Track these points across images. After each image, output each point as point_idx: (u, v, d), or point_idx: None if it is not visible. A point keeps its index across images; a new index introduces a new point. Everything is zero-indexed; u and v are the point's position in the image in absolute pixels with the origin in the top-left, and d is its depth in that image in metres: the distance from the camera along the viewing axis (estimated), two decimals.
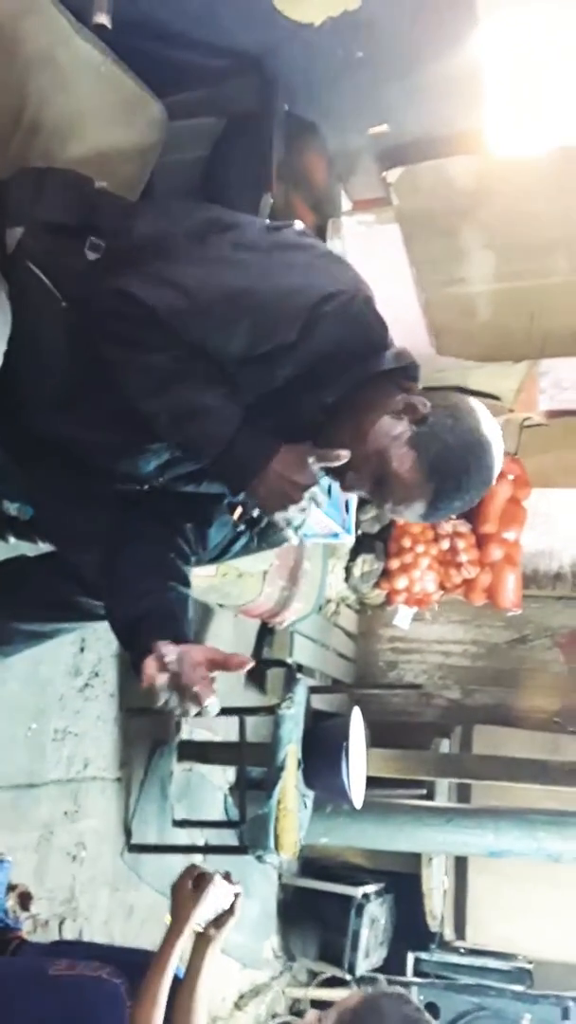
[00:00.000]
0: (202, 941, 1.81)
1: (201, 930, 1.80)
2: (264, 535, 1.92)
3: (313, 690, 3.60)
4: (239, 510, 1.81)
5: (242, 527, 1.85)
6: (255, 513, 1.83)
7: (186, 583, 1.64)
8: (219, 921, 1.82)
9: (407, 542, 4.88)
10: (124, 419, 1.47)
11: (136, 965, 1.76)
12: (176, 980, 1.75)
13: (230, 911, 1.83)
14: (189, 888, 1.78)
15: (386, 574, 4.97)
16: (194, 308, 1.37)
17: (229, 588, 3.41)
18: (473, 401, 1.52)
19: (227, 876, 1.83)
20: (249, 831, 3.14)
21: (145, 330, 1.37)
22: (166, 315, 1.36)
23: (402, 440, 1.45)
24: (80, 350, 1.44)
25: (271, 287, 1.41)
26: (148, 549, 1.64)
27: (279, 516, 1.48)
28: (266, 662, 4.12)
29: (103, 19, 1.66)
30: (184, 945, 1.76)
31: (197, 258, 1.43)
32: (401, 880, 4.87)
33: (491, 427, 1.49)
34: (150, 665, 1.42)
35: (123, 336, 1.40)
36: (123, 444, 1.53)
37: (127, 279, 1.37)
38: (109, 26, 1.66)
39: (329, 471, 1.56)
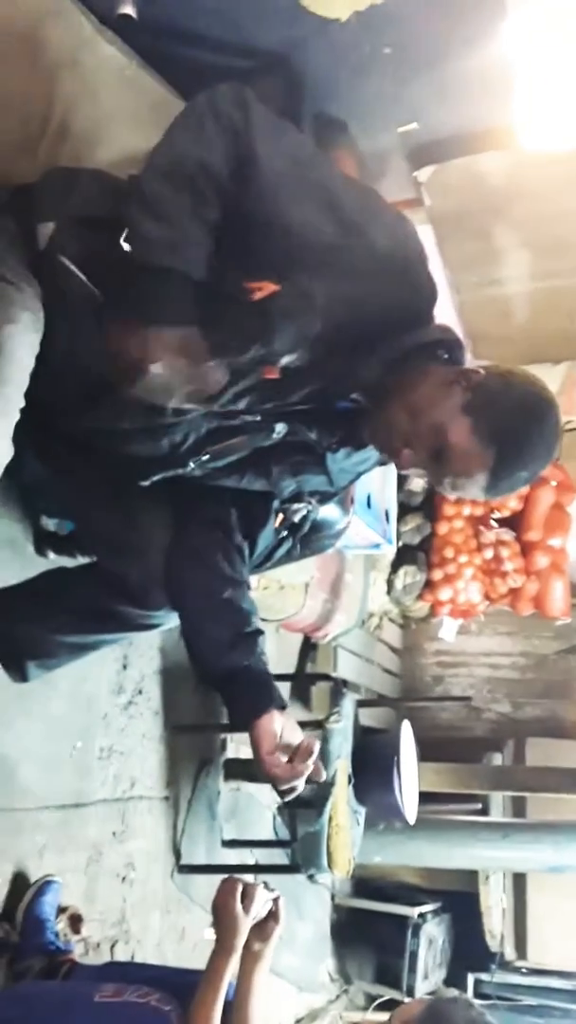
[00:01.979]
0: (250, 958, 1.73)
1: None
2: (306, 541, 1.89)
3: (360, 704, 3.54)
4: (281, 516, 1.78)
5: (284, 533, 1.82)
6: (297, 518, 1.81)
7: (252, 605, 1.66)
8: (264, 933, 1.74)
9: (450, 552, 4.80)
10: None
11: (189, 987, 1.70)
12: (227, 1002, 1.69)
13: (275, 919, 1.75)
14: (237, 906, 1.69)
15: (429, 585, 4.89)
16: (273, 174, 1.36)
17: (271, 601, 3.37)
18: (525, 369, 1.48)
19: (264, 884, 1.75)
20: (301, 849, 3.08)
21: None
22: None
23: (457, 409, 1.40)
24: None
25: (347, 202, 1.40)
26: (212, 563, 1.63)
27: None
28: (311, 677, 4.07)
29: (128, 9, 1.64)
30: (234, 965, 1.70)
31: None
32: (458, 899, 4.76)
33: (548, 393, 1.44)
34: (278, 767, 1.47)
35: None
36: (158, 424, 1.50)
37: None
38: (135, 16, 1.64)
39: (382, 450, 1.52)
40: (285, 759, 1.47)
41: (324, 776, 1.52)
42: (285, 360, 1.37)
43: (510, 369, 1.46)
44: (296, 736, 1.51)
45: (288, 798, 1.51)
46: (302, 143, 1.44)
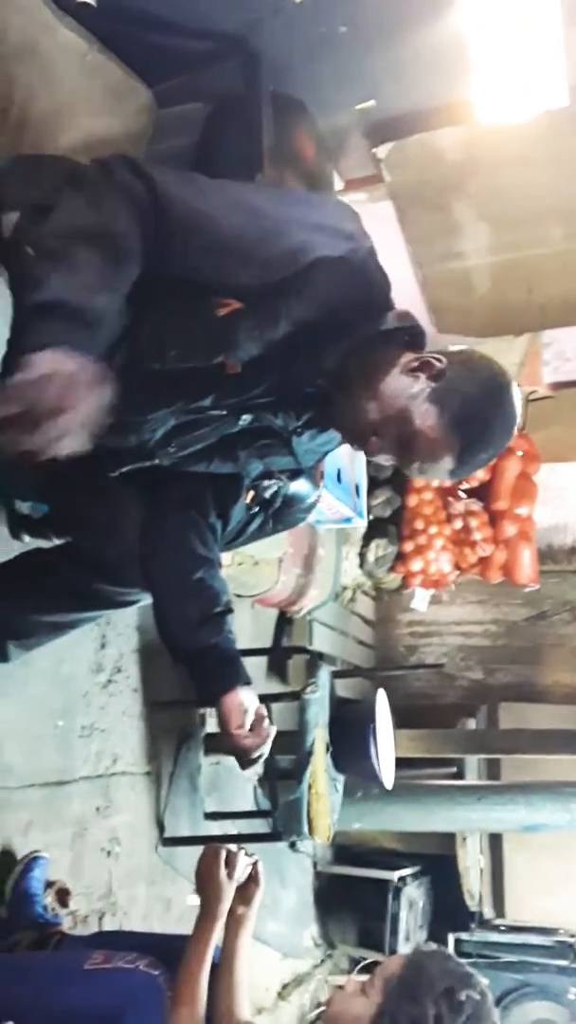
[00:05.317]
0: (234, 922, 1.78)
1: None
2: (279, 515, 1.92)
3: (335, 675, 3.59)
4: (252, 492, 1.82)
5: (255, 509, 1.86)
6: (268, 494, 1.84)
7: (223, 584, 1.71)
8: (246, 897, 1.79)
9: (420, 524, 4.87)
10: (123, 398, 1.47)
11: (176, 952, 1.74)
12: (213, 965, 1.72)
13: (256, 883, 1.80)
14: (222, 872, 1.73)
15: (401, 557, 4.96)
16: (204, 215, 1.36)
17: (245, 577, 3.41)
18: (482, 352, 1.52)
19: (244, 850, 1.80)
20: (282, 817, 3.14)
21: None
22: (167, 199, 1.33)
23: (422, 397, 1.44)
24: None
25: (282, 216, 1.41)
26: (185, 543, 1.67)
27: None
28: (287, 650, 4.12)
29: None
30: (219, 929, 1.74)
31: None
32: (437, 862, 4.85)
33: (506, 376, 1.49)
34: (247, 738, 1.58)
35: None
36: (126, 422, 1.54)
37: None
38: (93, 3, 1.66)
39: (350, 438, 1.57)
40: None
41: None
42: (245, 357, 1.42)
43: (469, 355, 1.51)
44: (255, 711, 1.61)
45: (252, 767, 1.58)
46: (219, 182, 1.47)
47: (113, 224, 1.29)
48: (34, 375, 1.17)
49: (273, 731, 1.59)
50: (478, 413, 1.45)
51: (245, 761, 1.60)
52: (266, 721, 1.59)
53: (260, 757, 1.59)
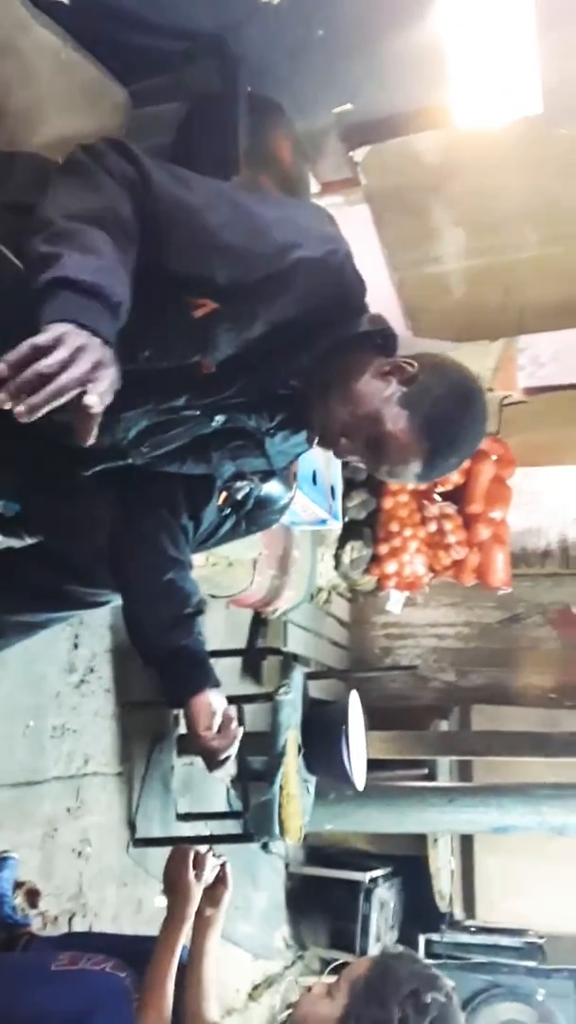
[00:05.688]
0: (202, 924, 1.77)
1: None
2: (252, 517, 1.92)
3: (309, 676, 3.60)
4: (224, 493, 1.82)
5: (228, 510, 1.85)
6: (240, 496, 1.84)
7: (193, 586, 1.70)
8: (215, 898, 1.78)
9: (395, 526, 4.89)
10: None
11: (144, 953, 1.73)
12: (181, 966, 1.72)
13: (224, 884, 1.79)
14: (190, 874, 1.73)
15: (376, 559, 4.98)
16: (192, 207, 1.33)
17: (220, 578, 3.41)
18: (452, 357, 1.53)
19: (212, 851, 1.80)
20: (253, 818, 3.14)
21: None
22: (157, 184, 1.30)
23: (393, 400, 1.45)
24: None
25: (265, 215, 1.40)
26: (156, 544, 1.66)
27: None
28: (261, 651, 4.12)
29: None
30: (187, 931, 1.73)
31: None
32: (408, 863, 4.88)
33: (476, 382, 1.50)
34: (214, 739, 1.56)
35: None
36: (99, 422, 1.53)
37: None
38: (66, 1, 1.65)
39: (320, 440, 1.57)
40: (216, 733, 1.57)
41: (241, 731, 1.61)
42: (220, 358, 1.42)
43: (441, 360, 1.52)
44: (222, 712, 1.60)
45: (220, 769, 1.58)
46: (205, 178, 1.45)
47: (119, 207, 1.27)
48: (47, 340, 1.11)
49: (240, 733, 1.59)
50: (447, 418, 1.46)
51: (212, 763, 1.59)
52: (234, 723, 1.58)
53: (227, 759, 1.58)
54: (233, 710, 1.61)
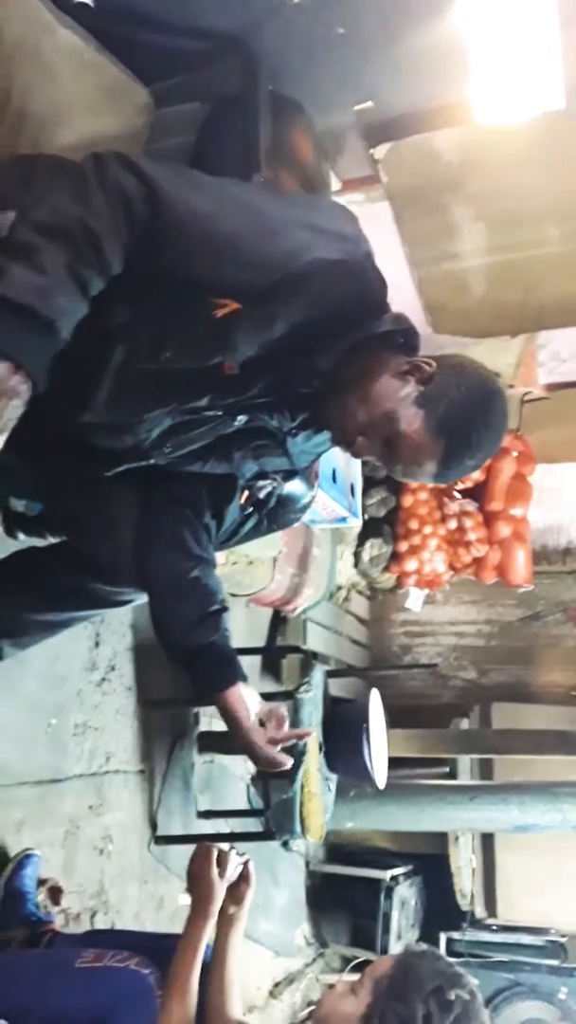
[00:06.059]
0: (225, 922, 1.77)
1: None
2: (273, 515, 1.92)
3: (329, 674, 3.60)
4: (246, 492, 1.82)
5: (250, 509, 1.86)
6: (262, 494, 1.85)
7: (217, 583, 1.70)
8: (238, 896, 1.78)
9: (415, 524, 4.88)
10: (119, 397, 1.48)
11: (168, 951, 1.74)
12: (204, 964, 1.72)
13: (247, 882, 1.79)
14: (214, 872, 1.73)
15: (395, 557, 4.97)
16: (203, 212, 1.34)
17: (240, 577, 3.42)
18: (475, 360, 1.53)
19: (234, 849, 1.80)
20: (274, 816, 3.15)
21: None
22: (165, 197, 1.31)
23: (409, 400, 1.45)
24: (78, 330, 1.44)
25: (281, 217, 1.40)
26: (180, 543, 1.67)
27: None
28: (281, 649, 4.13)
29: None
30: (210, 929, 1.73)
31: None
32: (429, 861, 4.88)
33: (496, 384, 1.49)
34: (274, 752, 1.56)
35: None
36: (121, 422, 1.54)
37: None
38: (91, 3, 1.66)
39: (337, 438, 1.57)
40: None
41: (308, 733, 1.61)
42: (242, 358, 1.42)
43: (461, 360, 1.51)
44: (257, 707, 1.60)
45: (272, 765, 1.58)
46: (218, 180, 1.45)
47: (94, 221, 1.27)
48: None
49: (292, 732, 1.59)
50: (463, 420, 1.45)
51: (264, 757, 1.58)
52: (286, 721, 1.59)
53: (279, 752, 1.57)
54: (282, 707, 1.60)
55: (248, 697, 1.59)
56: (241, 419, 1.55)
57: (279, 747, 1.57)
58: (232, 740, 1.61)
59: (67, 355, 1.37)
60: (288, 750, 1.60)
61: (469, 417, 1.45)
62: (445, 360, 1.49)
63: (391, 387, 1.45)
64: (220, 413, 1.53)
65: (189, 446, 1.60)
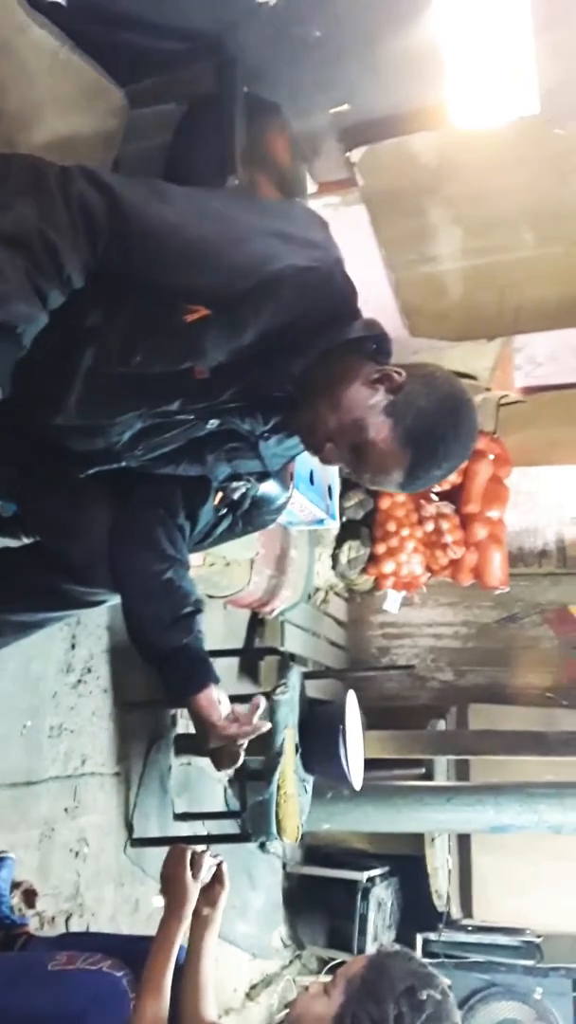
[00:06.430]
0: (199, 923, 1.77)
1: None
2: (248, 517, 1.92)
3: (306, 676, 3.60)
4: (220, 494, 1.82)
5: (224, 510, 1.86)
6: (236, 496, 1.85)
7: (191, 585, 1.72)
8: (212, 898, 1.78)
9: (392, 526, 4.89)
10: (90, 400, 1.48)
11: (141, 953, 1.74)
12: (178, 966, 1.72)
13: (221, 884, 1.80)
14: (187, 874, 1.73)
15: (373, 559, 4.98)
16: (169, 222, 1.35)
17: (217, 578, 3.41)
18: (447, 370, 1.54)
19: (208, 850, 1.80)
20: (251, 818, 3.15)
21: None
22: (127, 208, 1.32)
23: (378, 409, 1.46)
24: (50, 333, 1.44)
25: (249, 224, 1.41)
26: (154, 544, 1.67)
27: None
28: (258, 651, 4.12)
29: None
30: (184, 930, 1.73)
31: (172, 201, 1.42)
32: (405, 862, 4.88)
33: (466, 396, 1.50)
34: (230, 727, 1.59)
35: None
36: (92, 425, 1.54)
37: None
38: (64, 3, 1.65)
39: (306, 444, 1.57)
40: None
41: (269, 726, 1.63)
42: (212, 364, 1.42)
43: (431, 371, 1.52)
44: (228, 708, 1.61)
45: (229, 767, 1.59)
46: (186, 189, 1.46)
47: (54, 234, 1.27)
48: None
49: (260, 724, 1.60)
50: (431, 430, 1.46)
51: (223, 759, 1.60)
52: (259, 710, 1.60)
53: (239, 753, 1.60)
54: (262, 700, 1.62)
55: (219, 698, 1.60)
56: (213, 423, 1.55)
57: (242, 741, 1.59)
58: (202, 742, 1.62)
59: (39, 358, 1.37)
60: (266, 750, 1.62)
61: (437, 428, 1.46)
62: (416, 369, 1.49)
63: (361, 395, 1.46)
64: (192, 417, 1.53)
65: (161, 449, 1.60)
